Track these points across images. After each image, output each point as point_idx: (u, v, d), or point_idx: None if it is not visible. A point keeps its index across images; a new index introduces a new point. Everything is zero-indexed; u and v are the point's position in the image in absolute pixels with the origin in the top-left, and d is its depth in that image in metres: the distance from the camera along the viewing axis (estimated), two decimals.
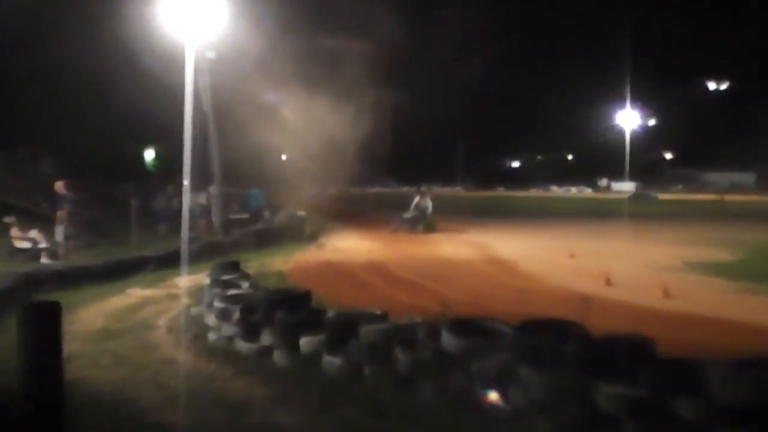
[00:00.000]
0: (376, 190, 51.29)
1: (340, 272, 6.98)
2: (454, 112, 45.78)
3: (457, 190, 49.71)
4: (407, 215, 12.19)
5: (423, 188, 14.76)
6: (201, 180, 10.31)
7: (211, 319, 4.09)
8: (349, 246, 9.83)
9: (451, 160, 54.22)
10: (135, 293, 5.83)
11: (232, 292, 4.23)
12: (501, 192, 45.18)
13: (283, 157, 19.51)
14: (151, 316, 4.79)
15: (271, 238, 9.87)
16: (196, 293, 5.09)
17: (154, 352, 3.77)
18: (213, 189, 11.13)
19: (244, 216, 12.32)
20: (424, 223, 11.97)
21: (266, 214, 13.12)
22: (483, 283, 6.18)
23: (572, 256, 8.18)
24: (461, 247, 9.62)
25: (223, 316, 3.88)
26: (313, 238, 10.66)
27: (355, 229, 12.91)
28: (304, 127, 14.29)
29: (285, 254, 8.62)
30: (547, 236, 11.33)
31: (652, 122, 43.41)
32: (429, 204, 12.39)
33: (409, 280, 6.36)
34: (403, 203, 12.77)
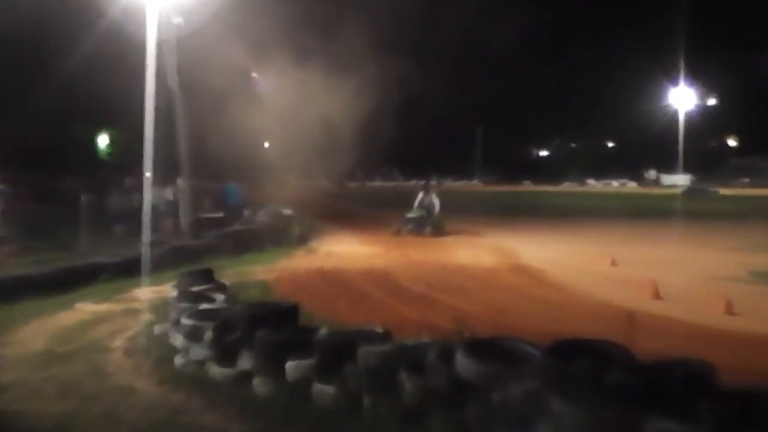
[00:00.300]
0: (377, 183, 51.75)
1: (335, 282, 7.01)
2: (472, 91, 45.84)
3: (475, 185, 50.00)
4: (411, 215, 12.20)
5: (427, 182, 14.74)
6: (166, 172, 10.32)
7: (178, 340, 4.11)
8: (345, 251, 9.88)
9: (468, 148, 54.28)
10: (86, 308, 5.84)
11: (204, 306, 4.25)
12: (527, 186, 45.31)
13: (266, 145, 19.59)
14: (105, 336, 4.80)
15: (252, 241, 9.93)
16: (160, 308, 5.11)
17: (109, 380, 3.77)
18: (181, 182, 11.15)
19: (219, 215, 12.37)
20: (432, 224, 11.97)
21: (246, 212, 13.17)
22: (505, 296, 6.19)
23: (613, 263, 8.19)
24: (479, 252, 9.66)
25: (193, 335, 3.90)
26: (301, 241, 10.74)
27: (352, 230, 12.95)
28: (291, 108, 14.33)
29: (268, 260, 8.67)
30: (583, 240, 11.37)
31: (711, 102, 43.02)
32: (435, 201, 12.41)
33: (417, 292, 6.38)
34: (410, 200, 12.77)
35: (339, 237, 11.89)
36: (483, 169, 55.88)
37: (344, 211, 19.44)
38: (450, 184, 49.01)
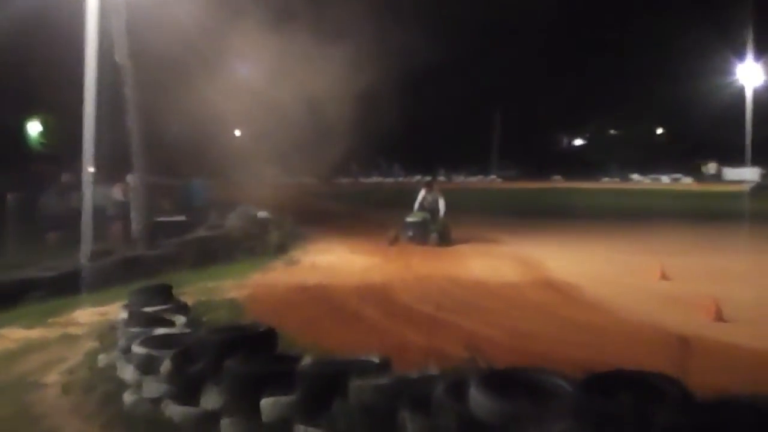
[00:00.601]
0: (374, 180, 52.01)
1: (321, 300, 7.06)
2: (489, 69, 45.81)
3: (492, 181, 50.25)
4: (411, 218, 12.18)
5: (431, 179, 14.81)
6: (114, 166, 10.32)
7: (128, 372, 4.11)
8: (334, 262, 9.95)
9: (484, 137, 54.50)
10: (12, 335, 5.82)
11: (161, 331, 4.25)
12: (557, 183, 45.46)
13: (237, 133, 19.62)
14: (36, 369, 4.79)
15: (220, 250, 10.04)
16: (106, 334, 5.12)
17: (41, 424, 3.76)
18: (133, 179, 11.10)
19: (180, 218, 12.40)
20: (437, 229, 11.98)
21: (212, 215, 13.20)
22: (530, 317, 6.23)
23: (663, 276, 8.21)
24: (497, 263, 9.73)
25: (147, 366, 3.90)
26: (280, 250, 10.82)
27: (343, 237, 13.06)
28: (269, 87, 14.32)
29: (239, 274, 8.73)
30: (626, 248, 11.41)
31: None
32: (441, 202, 12.42)
33: (422, 312, 6.41)
34: (413, 200, 12.80)
35: (326, 245, 11.95)
36: (502, 163, 56.07)
37: (333, 214, 19.54)
38: (462, 180, 49.19)
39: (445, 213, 12.30)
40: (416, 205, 12.51)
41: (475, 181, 50.65)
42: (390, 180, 49.05)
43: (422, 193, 12.66)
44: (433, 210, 12.31)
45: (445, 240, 11.84)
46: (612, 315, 6.36)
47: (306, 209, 19.29)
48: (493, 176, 52.95)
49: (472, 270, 9.19)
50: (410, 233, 11.92)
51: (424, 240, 11.73)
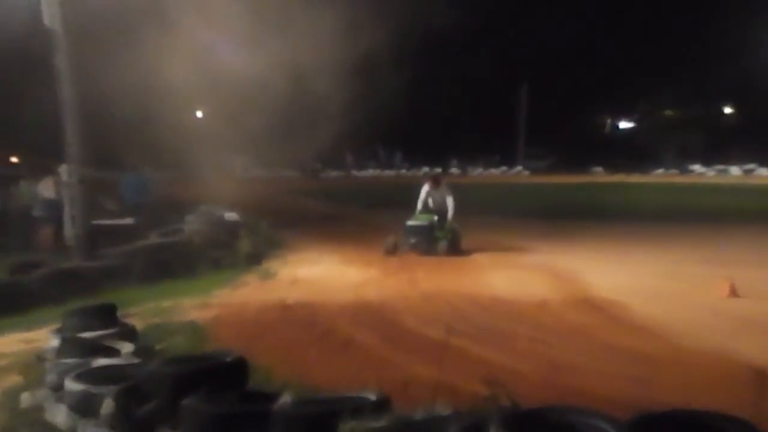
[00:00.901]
0: (370, 173, 51.98)
1: (305, 323, 7.06)
2: (514, 34, 45.53)
3: (518, 174, 50.45)
4: (414, 222, 12.16)
5: (436, 172, 14.80)
6: (42, 156, 10.29)
7: (59, 414, 4.10)
8: (321, 275, 10.01)
9: (507, 119, 54.50)
10: None
11: (102, 362, 4.24)
12: (598, 176, 45.38)
13: (199, 114, 19.60)
14: None
15: (177, 260, 10.08)
16: (32, 366, 5.09)
17: None
18: (66, 172, 11.07)
19: (127, 221, 12.39)
20: (444, 235, 11.99)
21: (168, 217, 13.20)
22: (565, 344, 6.23)
23: (733, 293, 8.18)
24: (524, 276, 9.75)
25: (84, 407, 3.89)
26: (254, 260, 10.93)
27: (332, 244, 13.10)
28: (238, 59, 14.34)
29: (202, 291, 8.77)
30: (685, 256, 11.42)
31: None
32: (449, 199, 12.41)
33: (430, 338, 6.37)
34: (415, 198, 12.82)
35: (311, 254, 12.02)
36: (530, 151, 56.03)
37: (320, 215, 19.64)
38: (480, 173, 49.12)
39: (455, 214, 12.31)
40: (419, 205, 12.51)
41: (497, 174, 50.68)
42: (390, 173, 49.16)
43: (426, 189, 12.61)
44: (441, 211, 12.31)
45: (456, 248, 11.88)
46: (667, 341, 6.35)
47: (286, 210, 19.33)
48: (518, 168, 52.93)
49: (492, 285, 9.20)
50: (413, 240, 11.92)
51: (430, 248, 11.75)
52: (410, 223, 12.16)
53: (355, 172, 48.43)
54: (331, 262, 11.21)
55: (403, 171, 49.90)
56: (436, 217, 12.20)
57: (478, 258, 11.58)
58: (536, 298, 8.26)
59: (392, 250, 11.84)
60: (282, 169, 38.85)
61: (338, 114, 15.80)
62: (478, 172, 50.45)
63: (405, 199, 13.97)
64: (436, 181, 12.86)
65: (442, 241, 11.84)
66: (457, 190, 13.17)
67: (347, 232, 15.49)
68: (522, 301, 8.11)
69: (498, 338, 6.39)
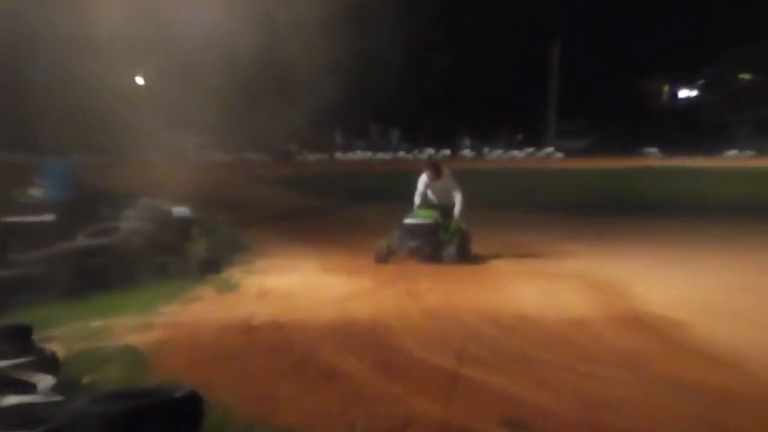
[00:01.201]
0: (358, 156, 51.67)
1: (275, 348, 7.05)
2: None
3: (549, 157, 50.86)
4: (412, 219, 12.09)
5: (436, 158, 14.69)
6: None
7: None
8: (297, 287, 10.03)
9: (536, 89, 54.42)
10: None
11: (13, 400, 4.20)
12: (652, 159, 45.51)
13: (140, 81, 19.53)
14: None
15: (112, 268, 10.03)
16: None
17: None
18: None
19: (47, 218, 12.33)
20: (450, 237, 11.97)
21: (99, 212, 13.14)
22: (609, 375, 6.23)
23: None
24: (555, 288, 9.79)
25: None
26: (211, 267, 10.93)
27: (311, 247, 13.20)
28: (190, 11, 14.28)
29: (144, 307, 8.71)
30: (763, 264, 11.47)
31: None
32: (456, 193, 12.36)
33: (436, 366, 6.40)
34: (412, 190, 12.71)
35: (284, 259, 12.06)
36: (564, 129, 56.07)
37: (295, 210, 19.68)
38: (499, 156, 49.06)
39: (463, 211, 12.26)
40: (417, 198, 12.43)
41: (521, 157, 50.80)
42: (384, 156, 49.17)
43: (424, 179, 12.49)
44: (445, 207, 12.29)
45: (465, 255, 11.93)
46: (742, 372, 6.33)
47: (252, 203, 19.32)
48: (549, 149, 53.13)
49: (514, 299, 9.22)
50: (411, 243, 11.90)
51: (434, 254, 11.76)
52: (409, 221, 12.10)
53: (340, 155, 48.46)
54: (309, 270, 11.21)
55: (401, 154, 49.98)
56: (439, 214, 12.17)
57: (497, 264, 11.63)
58: (571, 315, 8.28)
59: (385, 257, 11.84)
60: (247, 151, 38.76)
61: (319, 81, 15.78)
62: (496, 155, 50.62)
63: (402, 190, 13.90)
64: (435, 171, 12.60)
65: (450, 247, 11.81)
66: (469, 179, 13.15)
67: (330, 231, 15.48)
68: (553, 319, 8.12)
69: (522, 367, 6.38)
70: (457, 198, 12.28)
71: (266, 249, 13.05)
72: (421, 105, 45.79)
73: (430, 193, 12.51)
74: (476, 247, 12.28)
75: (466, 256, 11.92)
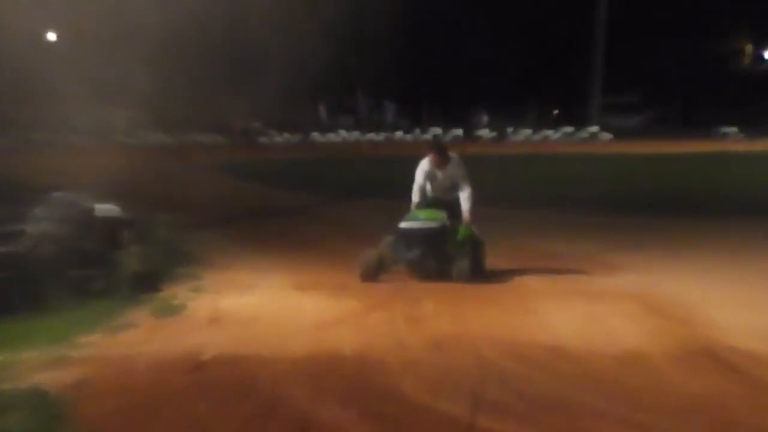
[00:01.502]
0: (342, 137, 51.40)
1: (233, 392, 7.03)
2: None
3: (591, 138, 50.49)
4: (410, 223, 11.95)
5: (438, 139, 14.64)
6: None
7: None
8: (261, 310, 10.01)
9: (574, 50, 54.46)
10: None
11: None
12: (728, 141, 45.37)
13: (52, 38, 19.49)
14: None
15: (15, 285, 10.00)
16: None
17: None
18: None
19: None
20: (460, 246, 11.87)
21: None
22: (676, 428, 6.21)
23: None
24: (602, 312, 9.76)
25: None
26: (146, 284, 10.95)
27: (278, 258, 13.30)
28: None
29: (57, 336, 8.66)
30: None
31: None
32: (464, 186, 12.25)
33: (445, 416, 6.39)
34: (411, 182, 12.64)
35: (243, 274, 12.13)
36: (612, 102, 56.11)
37: (258, 208, 19.84)
38: (526, 138, 48.86)
39: (472, 208, 12.14)
40: (415, 195, 12.32)
41: (556, 137, 50.87)
42: (375, 137, 49.15)
43: (424, 168, 12.37)
44: (450, 204, 12.22)
45: (480, 269, 11.85)
46: None
47: (204, 199, 19.24)
48: (594, 129, 53.26)
49: (548, 326, 9.16)
50: (410, 255, 11.79)
51: (440, 269, 11.69)
52: (406, 224, 11.97)
53: (318, 136, 48.42)
54: (277, 288, 11.22)
55: (399, 134, 50.01)
56: (445, 215, 12.03)
57: (523, 281, 11.62)
58: (622, 348, 8.24)
59: (374, 272, 11.76)
60: (196, 131, 38.59)
61: (295, 43, 15.84)
62: (523, 136, 50.72)
63: (400, 181, 13.88)
64: (441, 155, 12.44)
65: (462, 260, 11.65)
66: (487, 167, 13.11)
67: (305, 236, 15.49)
68: (598, 353, 8.09)
69: (558, 417, 6.35)
70: (465, 192, 12.17)
71: (221, 259, 13.11)
72: (425, 72, 45.73)
73: (429, 186, 12.45)
74: (496, 258, 12.28)
75: (480, 272, 11.83)
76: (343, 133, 50.87)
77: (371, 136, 49.73)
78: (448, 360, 7.88)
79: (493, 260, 12.20)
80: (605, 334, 8.74)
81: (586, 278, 11.70)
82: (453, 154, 12.65)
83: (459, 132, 48.61)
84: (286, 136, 46.10)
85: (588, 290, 10.91)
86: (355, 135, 50.24)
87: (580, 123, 54.05)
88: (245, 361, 7.81)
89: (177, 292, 10.82)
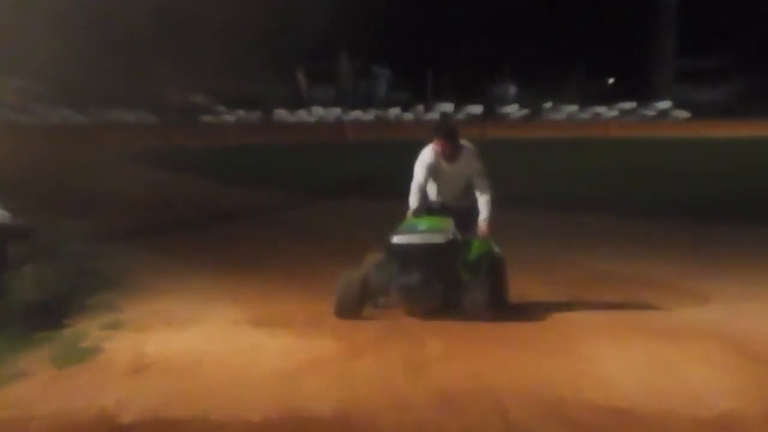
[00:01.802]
0: (316, 117, 51.72)
1: None
2: None
3: (666, 118, 50.45)
4: (407, 237, 11.87)
5: (448, 118, 14.71)
6: None
7: None
8: (205, 354, 10.03)
9: (635, 3, 54.94)
10: None
11: None
12: None
13: None
14: None
15: None
16: None
17: None
18: None
19: None
20: (473, 269, 11.79)
21: None
22: None
23: None
24: (674, 357, 9.79)
25: None
26: (45, 317, 10.99)
27: (229, 281, 13.49)
28: None
29: None
30: None
31: None
32: (481, 179, 12.30)
33: None
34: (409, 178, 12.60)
35: (183, 302, 12.22)
36: (690, 73, 56.65)
37: (205, 212, 20.30)
38: (570, 115, 49.19)
39: (491, 216, 12.12)
40: (413, 197, 12.32)
41: (614, 117, 51.21)
42: (363, 115, 49.49)
43: (428, 159, 12.37)
44: (461, 209, 12.26)
45: (501, 299, 11.83)
46: None
47: (127, 201, 19.35)
48: (664, 104, 53.61)
49: (599, 375, 9.19)
50: (404, 280, 11.69)
51: (447, 300, 11.66)
52: (400, 239, 11.95)
53: (284, 114, 48.59)
54: (225, 323, 11.26)
55: (394, 111, 50.32)
56: (453, 224, 11.98)
57: (564, 314, 11.64)
58: (705, 405, 8.21)
59: (354, 305, 11.72)
60: (119, 107, 38.67)
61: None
62: (566, 114, 51.05)
63: (394, 175, 14.00)
64: (450, 143, 12.38)
65: (474, 284, 11.61)
66: (515, 155, 13.09)
67: (265, 250, 15.48)
68: (672, 413, 8.06)
69: None
70: (483, 195, 12.18)
71: (149, 283, 13.10)
72: (430, 26, 46.14)
73: (433, 185, 12.47)
74: (525, 283, 12.31)
75: (503, 303, 11.81)
76: (318, 110, 51.00)
77: (357, 114, 49.90)
78: (461, 422, 7.85)
79: (520, 286, 12.18)
80: (683, 389, 8.67)
81: (653, 310, 11.73)
82: (467, 143, 12.60)
83: (477, 109, 48.80)
84: (239, 114, 46.25)
85: (657, 327, 10.92)
86: (335, 112, 50.38)
87: (645, 96, 54.43)
88: (181, 426, 7.77)
89: (87, 329, 10.77)
